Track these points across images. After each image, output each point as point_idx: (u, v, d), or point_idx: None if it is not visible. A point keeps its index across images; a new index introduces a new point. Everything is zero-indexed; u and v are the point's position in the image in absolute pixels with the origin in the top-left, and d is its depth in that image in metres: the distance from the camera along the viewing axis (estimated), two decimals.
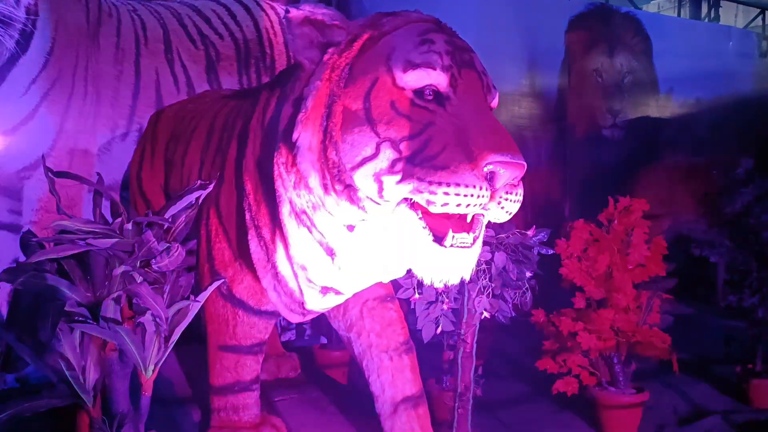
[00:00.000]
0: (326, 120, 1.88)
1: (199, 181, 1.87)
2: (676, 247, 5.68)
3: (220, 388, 2.44)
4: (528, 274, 2.30)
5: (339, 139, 1.86)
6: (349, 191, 1.89)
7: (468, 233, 1.80)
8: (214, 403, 2.46)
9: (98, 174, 2.03)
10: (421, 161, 1.74)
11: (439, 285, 1.80)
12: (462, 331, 2.43)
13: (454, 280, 1.82)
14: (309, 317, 2.48)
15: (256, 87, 2.46)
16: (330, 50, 1.92)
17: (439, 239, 1.77)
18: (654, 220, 5.43)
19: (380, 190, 1.82)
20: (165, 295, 1.87)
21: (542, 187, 5.67)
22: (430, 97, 1.81)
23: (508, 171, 1.69)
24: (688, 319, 4.61)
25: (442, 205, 1.71)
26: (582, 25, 5.94)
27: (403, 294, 2.43)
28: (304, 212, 2.01)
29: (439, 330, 2.40)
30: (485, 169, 1.68)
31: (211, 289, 1.89)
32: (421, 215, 1.78)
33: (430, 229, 1.78)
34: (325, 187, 1.92)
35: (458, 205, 1.70)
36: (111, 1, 4.03)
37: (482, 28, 5.22)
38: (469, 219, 1.82)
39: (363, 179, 1.84)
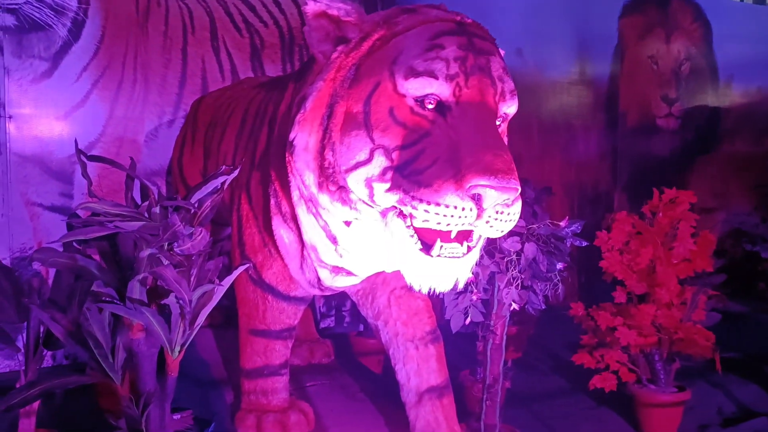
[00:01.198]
0: (327, 120, 1.88)
1: (224, 167, 1.90)
2: (731, 241, 5.48)
3: (250, 372, 2.49)
4: (559, 266, 2.24)
5: (337, 140, 1.85)
6: (342, 192, 1.89)
7: (460, 243, 1.76)
8: (245, 385, 2.51)
9: (131, 158, 2.08)
10: (409, 174, 1.72)
11: (426, 291, 1.78)
12: (491, 323, 2.40)
13: (443, 289, 1.80)
14: (328, 293, 2.51)
15: (287, 74, 2.47)
16: (339, 48, 1.90)
17: (427, 247, 1.75)
18: (708, 214, 5.25)
19: (371, 195, 1.81)
20: (192, 279, 1.90)
21: (590, 178, 5.53)
22: (432, 106, 1.76)
23: (495, 194, 1.64)
24: (739, 317, 4.44)
25: (422, 221, 1.70)
26: (637, 9, 5.73)
27: None
28: (311, 200, 2.04)
29: (468, 321, 2.37)
30: (471, 192, 1.64)
31: (235, 273, 1.92)
32: (410, 223, 1.76)
33: (420, 237, 1.76)
34: (319, 186, 1.93)
35: (438, 223, 1.68)
36: None
37: (530, 13, 5.11)
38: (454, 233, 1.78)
39: (355, 183, 1.83)
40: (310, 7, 1.87)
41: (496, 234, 1.76)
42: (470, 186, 1.62)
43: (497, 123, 1.86)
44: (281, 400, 2.49)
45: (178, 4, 4.13)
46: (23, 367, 2.08)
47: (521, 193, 2.18)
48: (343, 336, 3.89)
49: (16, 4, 3.59)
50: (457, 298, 2.34)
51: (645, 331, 3.07)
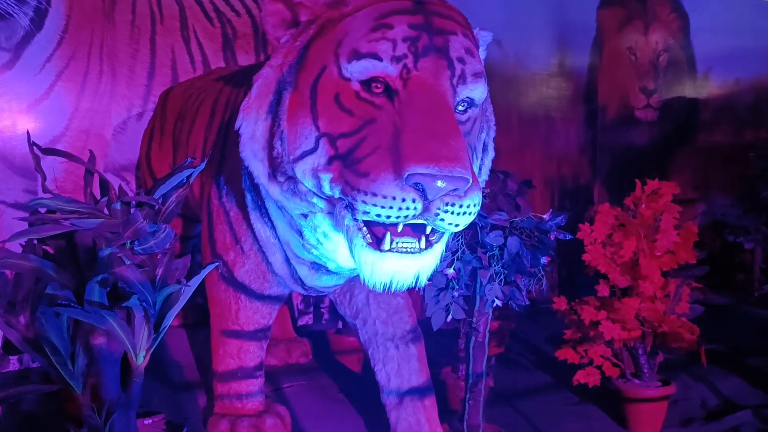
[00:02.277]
0: (276, 107, 1.79)
1: (189, 159, 1.78)
2: (711, 233, 5.48)
3: (223, 374, 2.38)
4: (543, 260, 2.17)
5: (285, 128, 1.76)
6: (291, 183, 1.81)
7: (416, 239, 1.67)
8: (218, 389, 2.40)
9: (90, 151, 1.95)
10: (350, 163, 1.63)
11: (380, 289, 1.69)
12: (474, 320, 2.32)
13: (400, 287, 1.71)
14: (314, 294, 2.41)
15: (259, 63, 2.37)
16: (289, 32, 1.81)
17: (377, 242, 1.66)
18: (688, 205, 5.23)
19: (318, 186, 1.73)
20: (157, 279, 1.79)
21: (570, 170, 5.50)
22: (379, 91, 1.66)
23: (437, 184, 1.53)
24: (721, 309, 4.43)
25: (363, 213, 1.60)
26: (616, 1, 5.70)
27: None
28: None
29: (449, 318, 2.29)
30: (411, 181, 1.53)
31: (204, 273, 1.81)
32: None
33: (371, 231, 1.66)
34: (269, 177, 1.84)
35: (378, 215, 1.57)
36: None
37: (510, 4, 5.04)
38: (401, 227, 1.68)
39: (302, 173, 1.75)
40: None
41: (452, 229, 1.65)
42: (408, 175, 1.52)
43: (462, 108, 1.76)
44: (256, 404, 2.39)
45: None
46: None
47: (503, 186, 2.10)
48: (321, 334, 3.79)
49: None
50: (437, 295, 2.26)
51: (629, 325, 3.02)
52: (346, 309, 2.39)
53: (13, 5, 3.52)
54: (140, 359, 1.80)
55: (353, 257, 1.71)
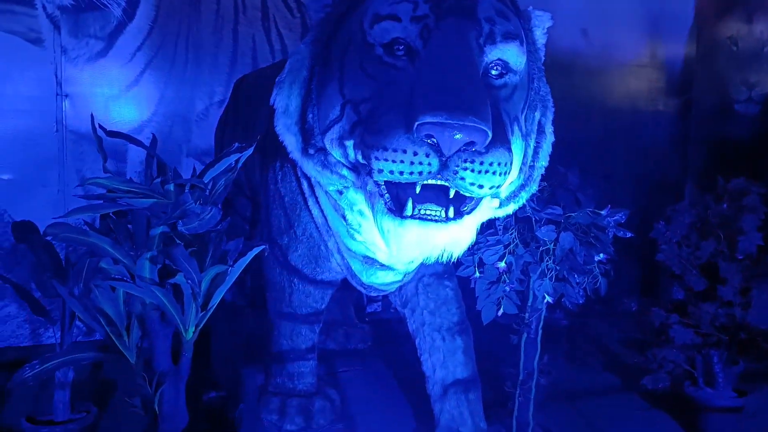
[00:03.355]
0: (309, 82, 1.81)
1: (236, 144, 1.84)
2: None
3: (276, 355, 2.45)
4: (597, 258, 2.08)
5: (317, 102, 1.78)
6: (322, 155, 1.80)
7: (442, 207, 1.60)
8: (271, 369, 2.48)
9: (153, 135, 2.06)
10: (368, 124, 1.60)
11: (404, 266, 1.64)
12: (526, 315, 2.27)
13: (420, 258, 1.65)
14: (372, 293, 2.40)
15: None
16: (324, 11, 1.83)
17: (400, 208, 1.60)
18: None
19: (345, 154, 1.71)
20: (207, 259, 1.86)
21: (658, 166, 5.24)
22: (401, 53, 1.63)
23: (448, 134, 1.45)
24: None
25: (378, 171, 1.54)
26: None
27: (464, 272, 2.29)
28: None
29: (500, 312, 2.24)
30: (421, 133, 1.47)
31: (250, 256, 1.86)
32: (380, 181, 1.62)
33: (395, 199, 1.61)
34: (303, 151, 1.85)
35: (391, 172, 1.51)
36: None
37: None
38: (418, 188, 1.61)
39: (330, 142, 1.74)
40: None
41: (476, 191, 1.56)
42: (418, 125, 1.47)
43: (496, 72, 1.71)
44: (307, 385, 2.45)
45: None
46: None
47: (563, 180, 2.04)
48: (387, 322, 3.81)
49: None
50: (489, 289, 2.22)
51: (703, 331, 2.86)
52: (396, 298, 2.39)
53: None
54: (189, 334, 1.88)
55: (376, 225, 1.67)
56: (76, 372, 2.27)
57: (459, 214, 1.63)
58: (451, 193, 1.61)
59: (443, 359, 2.26)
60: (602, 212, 2.09)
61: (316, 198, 2.17)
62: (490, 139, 1.50)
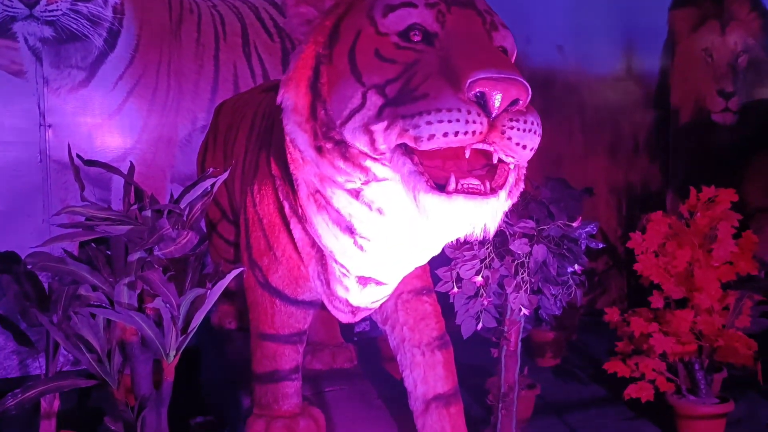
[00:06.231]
0: (315, 81, 1.82)
1: (211, 169, 1.88)
2: None
3: (260, 376, 2.46)
4: (570, 269, 2.12)
5: (327, 97, 1.78)
6: (341, 148, 1.78)
7: (479, 181, 1.58)
8: (256, 390, 2.49)
9: (131, 162, 2.09)
10: (404, 97, 1.58)
11: (448, 238, 1.62)
12: (505, 329, 2.30)
13: (464, 234, 1.64)
14: (359, 316, 2.39)
15: None
16: (318, 15, 1.86)
17: (441, 187, 1.57)
18: (766, 213, 4.93)
19: (371, 141, 1.68)
20: (186, 283, 1.89)
21: (639, 178, 5.32)
22: (417, 38, 1.66)
23: (499, 89, 1.46)
24: None
25: (428, 139, 1.51)
26: (689, 1, 5.47)
27: (442, 287, 2.32)
28: (318, 191, 1.95)
29: (479, 326, 2.28)
30: (472, 91, 1.47)
31: (228, 278, 1.89)
32: (417, 161, 1.60)
33: (433, 179, 1.59)
34: (317, 149, 1.82)
35: (445, 134, 1.49)
36: None
37: (572, 8, 4.96)
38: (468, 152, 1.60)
39: (352, 133, 1.72)
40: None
41: (520, 153, 1.56)
42: (470, 82, 1.46)
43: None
44: (292, 406, 2.45)
45: (210, 11, 4.19)
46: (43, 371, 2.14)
47: (536, 193, 2.08)
48: (375, 341, 3.83)
49: (54, 16, 3.72)
50: (467, 303, 2.25)
51: (683, 339, 2.90)
52: (377, 314, 2.41)
53: (88, 27, 3.80)
54: (170, 358, 1.90)
55: (418, 206, 1.62)
56: (62, 401, 2.28)
57: (494, 190, 1.61)
58: (495, 159, 1.60)
59: (423, 374, 2.28)
60: (573, 224, 2.14)
61: (299, 219, 2.18)
62: (530, 97, 1.53)
